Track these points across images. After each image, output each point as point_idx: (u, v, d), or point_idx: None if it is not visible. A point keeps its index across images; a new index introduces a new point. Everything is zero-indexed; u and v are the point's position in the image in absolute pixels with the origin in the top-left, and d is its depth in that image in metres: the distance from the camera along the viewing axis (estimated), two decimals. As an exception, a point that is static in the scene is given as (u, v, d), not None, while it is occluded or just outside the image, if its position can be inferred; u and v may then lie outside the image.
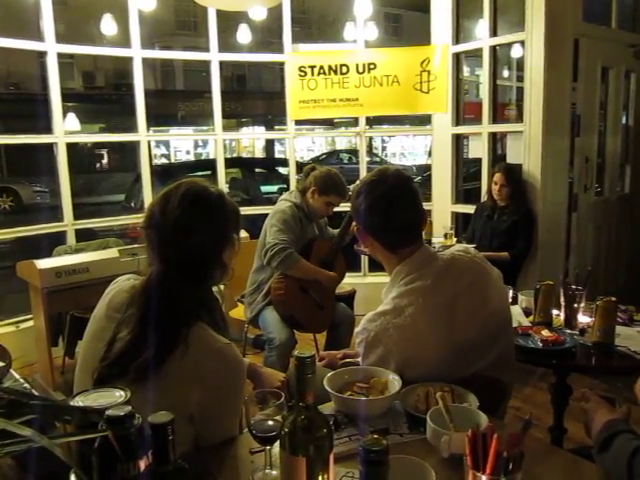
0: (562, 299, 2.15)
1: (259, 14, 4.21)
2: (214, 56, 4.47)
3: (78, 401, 0.94)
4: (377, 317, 1.52)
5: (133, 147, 4.44)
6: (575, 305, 2.14)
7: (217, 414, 1.28)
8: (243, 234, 4.29)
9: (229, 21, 4.83)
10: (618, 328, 2.06)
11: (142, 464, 0.80)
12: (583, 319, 2.17)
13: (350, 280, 4.06)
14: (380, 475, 0.78)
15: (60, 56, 3.93)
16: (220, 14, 4.34)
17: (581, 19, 4.01)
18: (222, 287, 1.45)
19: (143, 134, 4.34)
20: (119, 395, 0.94)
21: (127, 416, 0.80)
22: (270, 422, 1.14)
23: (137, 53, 4.20)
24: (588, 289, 2.21)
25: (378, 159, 18.44)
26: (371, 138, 19.18)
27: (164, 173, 7.95)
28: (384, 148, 22.61)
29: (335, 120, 13.70)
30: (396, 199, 1.53)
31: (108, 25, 4.33)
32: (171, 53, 6.36)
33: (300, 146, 20.45)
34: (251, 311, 3.12)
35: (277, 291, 2.99)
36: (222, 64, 4.53)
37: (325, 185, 3.02)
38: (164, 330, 1.24)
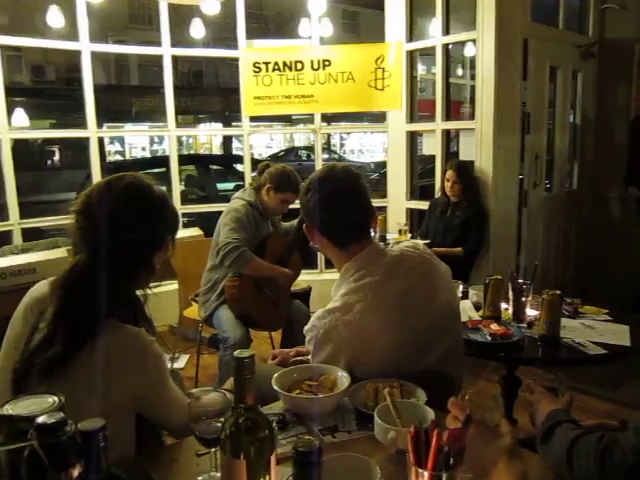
0: (510, 293, 2.20)
1: (212, 9, 4.14)
2: (166, 51, 4.38)
3: (8, 409, 0.89)
4: (326, 314, 1.51)
5: (85, 144, 4.31)
6: (523, 299, 2.20)
7: (152, 401, 1.29)
8: (197, 232, 4.24)
9: (184, 15, 4.74)
10: (564, 320, 2.12)
11: (74, 473, 0.77)
12: (531, 312, 2.23)
13: (306, 277, 4.05)
14: (312, 476, 0.77)
15: (6, 48, 3.77)
16: (173, 8, 4.26)
17: (530, 20, 4.11)
18: (148, 291, 1.39)
19: (93, 130, 4.22)
20: (52, 401, 0.91)
21: (57, 423, 0.76)
22: (216, 424, 1.12)
23: (85, 47, 4.08)
24: (535, 283, 2.27)
25: (337, 156, 18.50)
26: (329, 135, 19.23)
27: (117, 170, 7.72)
28: (342, 145, 22.70)
29: (293, 117, 13.68)
30: (344, 196, 1.53)
31: (55, 17, 4.17)
32: (122, 47, 6.20)
33: (258, 143, 20.34)
34: (205, 310, 3.07)
35: (231, 290, 2.96)
36: (177, 59, 4.45)
37: (280, 182, 3.00)
38: (77, 325, 1.20)
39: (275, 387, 1.38)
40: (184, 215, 4.91)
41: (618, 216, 4.72)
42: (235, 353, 0.88)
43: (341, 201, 1.52)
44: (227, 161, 11.35)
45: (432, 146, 4.47)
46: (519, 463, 1.01)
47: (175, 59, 4.42)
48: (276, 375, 1.44)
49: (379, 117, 4.90)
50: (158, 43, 4.41)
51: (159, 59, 4.42)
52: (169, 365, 3.60)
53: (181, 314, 3.62)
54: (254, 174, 3.67)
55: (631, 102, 4.61)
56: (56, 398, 0.91)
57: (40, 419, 0.77)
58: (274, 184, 3.00)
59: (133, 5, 18.12)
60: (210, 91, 19.54)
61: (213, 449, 1.12)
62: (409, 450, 0.92)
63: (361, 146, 22.54)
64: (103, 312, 1.21)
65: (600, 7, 4.68)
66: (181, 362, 3.85)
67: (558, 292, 2.01)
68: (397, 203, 4.73)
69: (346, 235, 1.56)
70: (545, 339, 2.00)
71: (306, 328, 1.57)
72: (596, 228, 4.81)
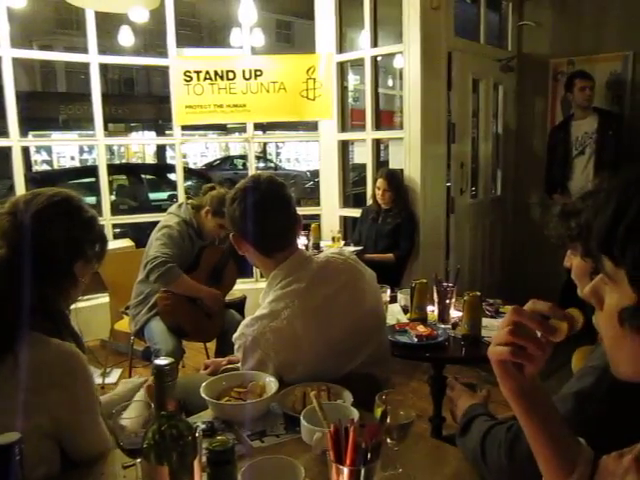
0: (435, 296, 2.29)
1: (141, 16, 4.09)
2: (93, 58, 4.28)
3: None
4: (254, 322, 1.54)
5: (8, 153, 4.14)
6: (447, 301, 2.29)
7: (75, 423, 1.24)
8: (129, 243, 4.15)
9: (114, 22, 4.65)
10: (485, 320, 2.23)
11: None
12: (455, 314, 2.32)
13: (241, 286, 4.05)
14: (226, 474, 0.79)
15: None
16: (101, 14, 4.17)
17: (453, 34, 4.30)
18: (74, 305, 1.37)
19: (15, 139, 4.06)
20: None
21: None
22: (141, 433, 1.12)
23: (6, 52, 3.93)
24: (459, 285, 2.37)
25: (273, 164, 18.51)
26: (265, 144, 19.24)
27: (44, 180, 7.47)
28: (279, 154, 22.74)
29: (228, 125, 13.59)
30: (269, 205, 1.56)
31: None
32: (46, 54, 5.96)
33: (193, 151, 20.06)
34: (135, 324, 3.01)
35: (164, 302, 2.92)
36: (107, 67, 4.36)
37: (219, 206, 2.92)
38: None
39: (204, 395, 1.39)
40: (115, 226, 4.79)
41: (540, 220, 4.98)
42: (155, 361, 0.89)
43: (266, 210, 1.56)
44: (160, 170, 11.15)
45: (363, 155, 4.58)
46: (443, 458, 1.06)
47: (105, 66, 4.33)
48: (205, 384, 1.45)
49: (314, 126, 4.97)
50: (86, 49, 4.31)
51: (87, 66, 4.32)
52: (100, 380, 3.51)
53: (112, 327, 3.53)
54: (190, 183, 3.63)
55: (548, 113, 4.90)
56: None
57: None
58: (213, 207, 2.97)
59: (60, 10, 17.50)
60: (142, 99, 19.14)
61: (139, 460, 1.12)
62: (329, 448, 0.96)
63: (297, 154, 22.66)
64: (24, 318, 1.18)
65: (517, 24, 4.96)
66: (113, 377, 3.75)
67: (478, 293, 2.11)
68: (330, 211, 4.81)
69: (272, 243, 1.60)
70: (467, 338, 2.09)
71: (235, 336, 1.58)
72: (519, 232, 5.06)
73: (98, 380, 3.49)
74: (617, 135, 4.08)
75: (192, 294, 2.95)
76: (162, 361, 0.87)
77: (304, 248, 3.79)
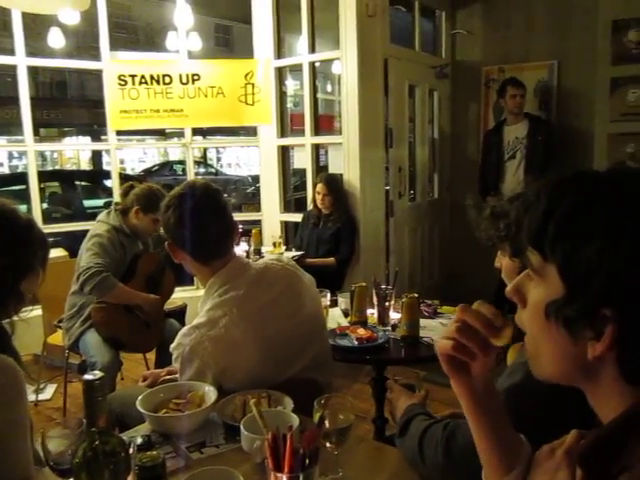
0: (375, 299, 2.32)
1: (71, 18, 3.95)
2: (21, 61, 4.09)
3: None
4: (192, 331, 1.51)
5: None
6: (386, 303, 2.33)
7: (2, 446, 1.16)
8: (62, 253, 4.00)
9: (44, 23, 4.48)
10: (423, 321, 2.28)
11: None
12: (394, 315, 2.37)
13: (181, 294, 3.97)
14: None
15: None
16: (31, 15, 4.00)
17: (389, 41, 4.39)
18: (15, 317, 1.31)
19: None
20: None
21: None
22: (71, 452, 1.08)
23: None
24: (397, 288, 2.42)
25: (213, 170, 18.27)
26: (205, 149, 18.96)
27: (-32, 188, 7.10)
28: (219, 159, 22.48)
29: (167, 131, 13.31)
30: (204, 212, 1.54)
31: None
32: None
33: (130, 157, 19.53)
34: (69, 338, 2.90)
35: (99, 313, 2.82)
36: (37, 69, 4.17)
37: (148, 202, 2.89)
38: None
39: (140, 408, 1.35)
40: (47, 235, 4.59)
41: (474, 222, 5.14)
42: (84, 376, 0.86)
43: (201, 218, 1.53)
44: (96, 177, 10.80)
45: (303, 160, 4.59)
46: (383, 459, 1.08)
47: (35, 68, 4.15)
48: (141, 397, 1.41)
49: (254, 131, 4.95)
50: (13, 51, 4.12)
51: (14, 68, 4.14)
52: (34, 397, 3.36)
53: (45, 341, 3.39)
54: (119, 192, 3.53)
55: (480, 119, 5.07)
56: None
57: None
58: (142, 205, 2.90)
59: (-16, 9, 16.67)
60: (75, 103, 18.45)
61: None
62: (267, 456, 0.95)
63: (238, 159, 22.47)
64: None
65: (450, 32, 5.12)
66: (47, 393, 3.59)
67: (416, 295, 2.16)
68: (271, 216, 4.79)
69: (208, 251, 1.58)
70: (406, 339, 2.13)
71: (172, 346, 1.55)
72: (456, 233, 5.20)
73: (32, 397, 3.34)
74: (546, 140, 4.27)
75: (130, 302, 2.87)
76: (91, 376, 0.84)
77: (245, 254, 3.78)
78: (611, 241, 0.59)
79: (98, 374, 0.85)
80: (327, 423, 1.14)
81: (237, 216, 4.87)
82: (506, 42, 4.81)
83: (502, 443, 0.82)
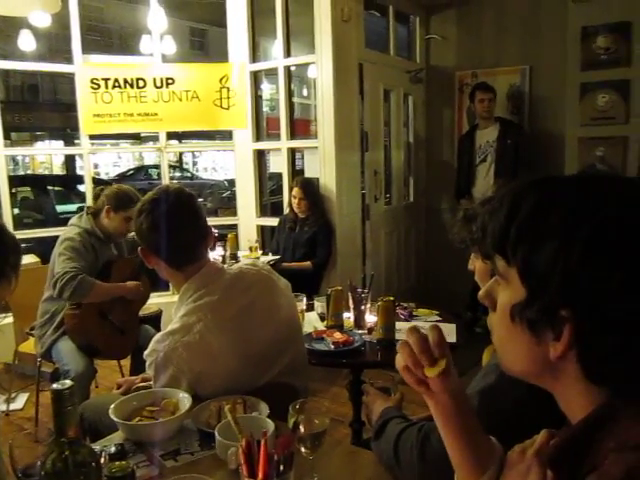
0: (350, 302, 2.33)
1: (42, 20, 3.89)
2: (-10, 63, 4.03)
3: None
4: (166, 337, 1.50)
5: None
6: (362, 307, 2.33)
7: None
8: (34, 259, 3.93)
9: (15, 25, 4.40)
10: (399, 324, 2.28)
11: None
12: (370, 319, 2.37)
13: (157, 300, 3.93)
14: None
15: None
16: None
17: (364, 46, 4.41)
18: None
19: None
20: None
21: None
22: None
23: None
24: (373, 291, 2.42)
25: (189, 174, 18.14)
26: (181, 153, 18.83)
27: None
28: (195, 163, 22.33)
29: (142, 134, 13.19)
30: (178, 217, 1.53)
31: None
32: (-64, 58, 5.55)
33: (104, 161, 19.28)
34: (42, 346, 2.84)
35: (72, 320, 2.77)
36: (8, 72, 4.11)
37: (119, 200, 2.86)
38: None
39: (112, 417, 1.33)
40: (19, 241, 4.50)
41: (449, 225, 5.19)
42: (53, 385, 0.84)
43: (174, 223, 1.52)
44: (69, 181, 10.64)
45: (279, 164, 4.59)
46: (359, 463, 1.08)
47: (5, 71, 4.07)
48: (114, 405, 1.39)
49: (230, 135, 4.92)
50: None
51: (-19, 72, 4.06)
52: (5, 407, 3.28)
53: (17, 349, 3.32)
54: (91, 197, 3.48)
55: (455, 123, 5.13)
56: None
57: None
58: (113, 204, 2.87)
59: (-48, 11, 16.31)
60: (48, 107, 18.14)
61: (40, 491, 1.05)
62: (242, 462, 0.95)
63: (214, 163, 22.34)
64: None
65: (425, 37, 5.17)
66: (19, 402, 3.51)
67: (392, 298, 2.16)
68: (247, 220, 4.77)
69: (181, 256, 1.56)
70: (382, 343, 2.14)
71: (146, 353, 1.53)
72: (431, 237, 5.24)
73: (2, 407, 3.27)
74: (516, 143, 4.34)
75: (112, 296, 2.83)
76: (60, 385, 0.83)
77: (221, 259, 3.76)
78: (566, 242, 0.60)
79: (67, 383, 0.84)
80: (302, 428, 1.13)
81: (213, 220, 4.86)
82: (479, 47, 4.88)
83: (472, 446, 0.83)
